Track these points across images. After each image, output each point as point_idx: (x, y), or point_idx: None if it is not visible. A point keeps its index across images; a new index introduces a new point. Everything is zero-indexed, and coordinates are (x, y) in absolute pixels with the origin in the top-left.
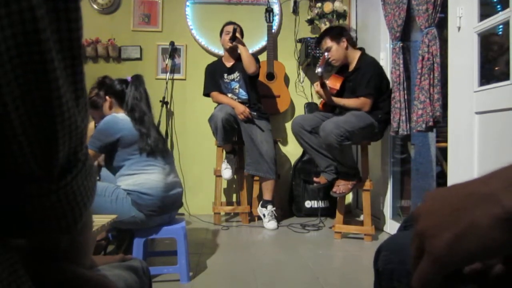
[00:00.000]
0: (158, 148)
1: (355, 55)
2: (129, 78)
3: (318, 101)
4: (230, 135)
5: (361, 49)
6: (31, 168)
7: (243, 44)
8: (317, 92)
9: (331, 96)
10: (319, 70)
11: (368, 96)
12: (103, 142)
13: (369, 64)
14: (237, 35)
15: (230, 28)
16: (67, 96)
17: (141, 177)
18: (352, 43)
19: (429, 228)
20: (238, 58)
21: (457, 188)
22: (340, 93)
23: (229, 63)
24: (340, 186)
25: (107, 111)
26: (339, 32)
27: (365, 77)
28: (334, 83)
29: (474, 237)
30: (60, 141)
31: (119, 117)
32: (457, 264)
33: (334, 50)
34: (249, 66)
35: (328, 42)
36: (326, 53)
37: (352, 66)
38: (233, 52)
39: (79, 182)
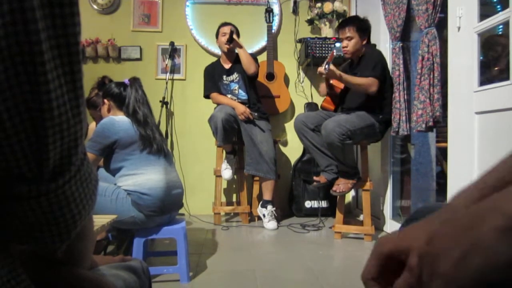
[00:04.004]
0: (163, 149)
1: (363, 49)
2: (126, 81)
3: (318, 101)
4: (230, 135)
5: (372, 45)
6: (21, 167)
7: (241, 46)
8: (321, 73)
9: (337, 76)
10: (326, 67)
11: (375, 77)
12: (102, 145)
13: (374, 53)
14: (234, 36)
15: (226, 29)
16: (58, 93)
17: (142, 177)
18: (369, 40)
19: (439, 249)
20: (236, 59)
21: (463, 211)
22: (345, 92)
23: (227, 65)
24: (340, 185)
25: (105, 113)
26: (366, 28)
27: (370, 63)
28: (338, 82)
29: (481, 254)
30: (50, 139)
31: (115, 119)
32: (468, 285)
33: (354, 42)
34: (249, 66)
35: (351, 32)
36: (334, 50)
37: (358, 59)
38: (230, 53)
39: (73, 188)
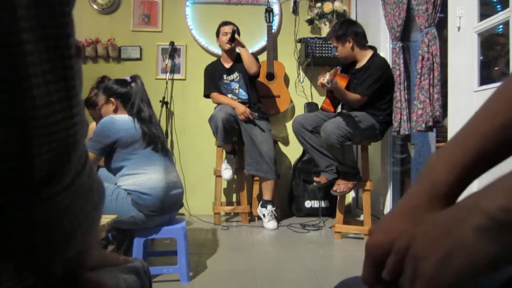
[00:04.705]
0: (165, 148)
1: (364, 54)
2: (128, 78)
3: (318, 101)
4: (230, 135)
5: (373, 48)
6: (4, 173)
7: (243, 46)
8: (323, 85)
9: (336, 87)
10: (330, 84)
11: (364, 95)
12: (103, 144)
13: (379, 65)
14: (236, 36)
15: (227, 28)
16: (42, 91)
17: (142, 177)
18: (360, 42)
19: (421, 250)
20: (236, 59)
21: (449, 208)
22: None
23: (228, 64)
24: (341, 185)
25: (107, 113)
26: (343, 33)
27: (370, 78)
28: (340, 82)
29: (460, 254)
30: (34, 142)
31: (116, 118)
32: (449, 286)
33: (339, 50)
34: (251, 66)
35: (334, 42)
36: (338, 67)
37: (360, 64)
38: (231, 52)
39: (66, 201)
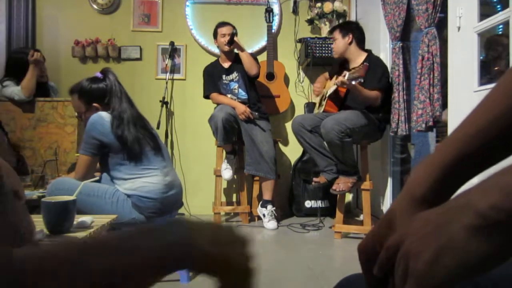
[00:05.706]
0: (156, 145)
1: (359, 55)
2: (98, 74)
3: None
4: (230, 135)
5: (368, 50)
6: None
7: (242, 49)
8: (343, 82)
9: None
10: (354, 81)
11: (380, 90)
12: (96, 144)
13: (377, 61)
14: (236, 39)
15: (225, 30)
16: None
17: (139, 181)
18: (359, 42)
19: (413, 248)
20: (235, 58)
21: (441, 205)
22: (345, 94)
23: (226, 64)
24: (340, 184)
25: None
26: (349, 27)
27: (377, 74)
28: (340, 89)
29: (452, 253)
30: None
31: (105, 119)
32: (440, 284)
33: (337, 42)
34: (251, 68)
35: (336, 33)
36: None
37: (355, 64)
38: (230, 53)
39: None
